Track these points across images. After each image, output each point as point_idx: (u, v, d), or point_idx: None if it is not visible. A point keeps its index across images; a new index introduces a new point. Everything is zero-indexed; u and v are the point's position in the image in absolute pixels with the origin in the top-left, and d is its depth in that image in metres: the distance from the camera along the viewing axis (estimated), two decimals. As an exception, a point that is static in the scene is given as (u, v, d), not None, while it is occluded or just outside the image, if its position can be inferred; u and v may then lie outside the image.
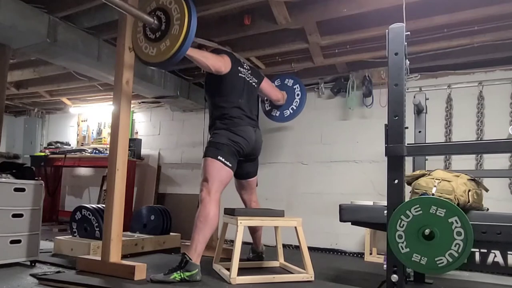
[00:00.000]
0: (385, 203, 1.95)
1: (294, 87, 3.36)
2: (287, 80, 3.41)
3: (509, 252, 1.81)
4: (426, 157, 2.60)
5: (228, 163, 2.54)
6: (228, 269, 2.37)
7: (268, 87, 3.08)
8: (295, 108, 3.32)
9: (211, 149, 2.56)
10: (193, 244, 2.34)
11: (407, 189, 2.04)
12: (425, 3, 2.65)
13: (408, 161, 2.20)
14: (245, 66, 2.82)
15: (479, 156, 3.27)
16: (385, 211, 1.93)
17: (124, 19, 2.48)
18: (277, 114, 3.38)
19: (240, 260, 2.37)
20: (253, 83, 2.85)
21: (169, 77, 4.05)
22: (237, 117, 2.65)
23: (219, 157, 2.51)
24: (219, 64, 2.57)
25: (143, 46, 2.16)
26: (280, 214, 2.63)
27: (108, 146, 2.59)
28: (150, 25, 2.08)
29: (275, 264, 2.88)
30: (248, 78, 2.79)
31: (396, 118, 1.94)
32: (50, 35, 2.85)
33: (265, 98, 3.35)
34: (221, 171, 2.52)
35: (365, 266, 3.13)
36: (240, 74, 2.72)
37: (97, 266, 2.41)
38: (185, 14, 1.97)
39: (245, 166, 2.84)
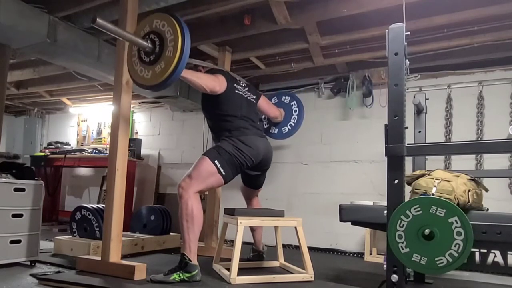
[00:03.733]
0: (385, 203, 1.95)
1: (291, 104, 3.35)
2: (284, 97, 3.41)
3: (509, 252, 1.81)
4: (426, 157, 2.60)
5: (222, 170, 2.46)
6: (228, 269, 2.37)
7: (265, 105, 3.04)
8: (293, 124, 3.31)
9: (213, 151, 2.52)
10: (186, 244, 2.33)
11: (407, 189, 2.04)
12: (425, 3, 2.65)
13: (408, 161, 2.19)
14: (241, 84, 2.80)
15: (479, 156, 3.27)
16: (385, 211, 1.93)
17: (124, 19, 2.47)
18: (275, 132, 3.36)
19: (240, 260, 2.36)
20: (252, 99, 2.82)
21: (169, 77, 4.04)
22: (243, 127, 2.62)
23: (215, 161, 2.45)
24: (213, 84, 2.54)
25: (138, 69, 2.14)
26: (280, 214, 2.63)
27: (108, 146, 2.59)
28: (145, 49, 2.08)
29: (275, 264, 2.88)
30: (245, 94, 2.77)
31: (396, 118, 1.94)
32: (50, 35, 2.85)
33: (263, 116, 3.33)
34: (211, 176, 2.45)
35: (365, 266, 3.13)
36: (236, 91, 2.69)
37: (97, 266, 2.41)
38: (179, 36, 1.97)
39: (254, 178, 2.85)
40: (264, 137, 2.77)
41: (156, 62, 2.05)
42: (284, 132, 3.31)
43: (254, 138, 2.62)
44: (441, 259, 1.73)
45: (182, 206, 2.37)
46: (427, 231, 1.75)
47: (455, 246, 1.71)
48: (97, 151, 4.96)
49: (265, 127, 3.42)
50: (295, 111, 3.32)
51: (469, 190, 2.00)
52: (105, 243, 2.40)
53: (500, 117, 3.27)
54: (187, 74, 2.32)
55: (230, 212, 2.63)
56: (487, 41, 3.02)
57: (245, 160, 2.54)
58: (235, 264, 2.31)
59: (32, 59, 3.95)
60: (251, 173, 2.82)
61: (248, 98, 2.79)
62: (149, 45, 2.06)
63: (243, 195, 3.08)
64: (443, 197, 1.89)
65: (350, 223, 2.29)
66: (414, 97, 2.59)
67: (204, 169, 2.45)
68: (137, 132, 5.21)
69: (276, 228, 2.94)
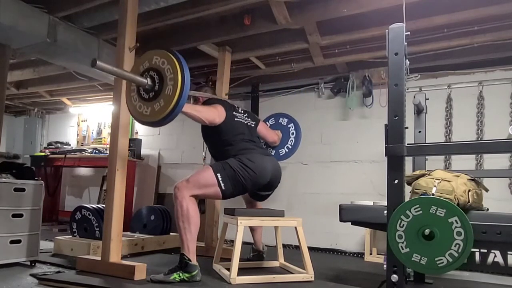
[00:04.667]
0: (385, 203, 1.95)
1: (289, 126, 3.34)
2: (281, 119, 3.39)
3: (509, 252, 1.81)
4: (426, 157, 2.60)
5: (222, 184, 2.41)
6: (228, 269, 2.37)
7: (264, 130, 3.03)
8: (290, 147, 3.29)
9: (218, 165, 2.49)
10: (184, 245, 2.33)
11: (407, 189, 2.04)
12: (425, 3, 2.65)
13: (408, 161, 2.19)
14: (240, 111, 2.79)
15: (479, 156, 3.27)
16: (385, 211, 1.93)
17: (124, 19, 2.48)
18: (272, 153, 3.33)
19: (240, 260, 2.36)
20: (252, 124, 2.82)
21: (169, 77, 4.04)
22: (248, 148, 2.59)
23: (217, 174, 2.41)
24: (213, 116, 2.53)
25: (137, 105, 2.12)
26: (280, 214, 2.63)
27: (108, 146, 2.59)
28: (144, 86, 2.07)
29: (275, 264, 2.88)
30: (245, 121, 2.76)
31: (396, 118, 1.94)
32: (50, 35, 2.86)
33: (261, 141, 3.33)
34: (210, 186, 2.41)
35: (365, 266, 3.13)
36: (236, 119, 2.68)
37: (97, 266, 2.41)
38: (178, 75, 1.95)
39: (261, 194, 2.83)
40: (271, 155, 2.74)
41: (155, 99, 2.03)
42: (281, 155, 3.28)
43: (260, 156, 2.58)
44: (441, 259, 1.74)
45: (177, 208, 2.36)
46: (427, 231, 1.75)
47: (455, 246, 1.71)
48: (97, 151, 4.96)
49: None
50: (292, 133, 3.30)
51: (469, 190, 2.00)
52: (105, 243, 2.40)
53: (500, 117, 3.27)
54: (186, 108, 2.27)
55: (230, 212, 2.63)
56: (487, 41, 3.02)
57: (250, 178, 2.46)
58: (235, 264, 2.31)
59: (32, 59, 3.95)
60: (261, 193, 2.81)
61: (248, 124, 2.78)
62: (149, 82, 2.04)
63: (244, 200, 3.07)
64: (443, 197, 1.89)
65: (350, 223, 2.29)
66: (414, 97, 2.59)
67: (204, 177, 2.43)
68: (137, 132, 5.21)
69: (276, 228, 2.94)
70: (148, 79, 2.05)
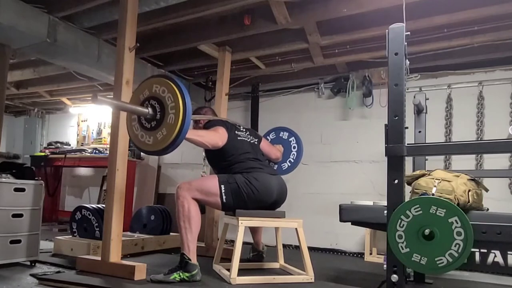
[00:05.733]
0: (385, 203, 1.95)
1: (290, 139, 3.31)
2: (282, 133, 3.36)
3: (509, 252, 1.81)
4: (426, 157, 2.60)
5: (224, 197, 2.44)
6: (228, 270, 2.37)
7: (267, 147, 3.03)
8: (292, 161, 3.26)
9: (224, 176, 2.50)
10: (184, 244, 2.33)
11: (407, 189, 2.04)
12: (425, 3, 2.65)
13: (408, 161, 2.19)
14: (241, 129, 2.79)
15: (479, 156, 3.27)
16: (385, 211, 1.93)
17: (124, 19, 2.47)
18: (275, 168, 3.31)
19: (240, 260, 2.36)
20: (255, 142, 2.81)
21: (169, 77, 4.04)
22: (254, 167, 2.58)
23: (221, 186, 2.44)
24: (215, 139, 2.53)
25: (139, 134, 2.10)
26: (281, 215, 2.63)
27: (108, 146, 2.59)
28: (145, 116, 2.05)
29: (275, 265, 2.88)
30: (248, 139, 2.76)
31: (396, 118, 1.94)
32: (50, 35, 2.85)
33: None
34: (211, 195, 2.44)
35: (365, 266, 3.13)
36: (239, 138, 2.69)
37: (97, 266, 2.41)
38: (180, 103, 1.93)
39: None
40: (277, 174, 2.73)
41: (157, 128, 2.01)
42: (283, 169, 3.26)
43: (267, 176, 2.57)
44: (441, 259, 1.73)
45: (178, 208, 2.38)
46: (427, 231, 1.75)
47: (455, 246, 1.71)
48: (97, 151, 4.96)
49: None
50: (294, 147, 3.28)
51: (469, 190, 2.00)
52: (105, 243, 2.40)
53: (500, 117, 3.27)
54: (189, 134, 2.24)
55: (231, 212, 2.62)
56: (487, 41, 3.02)
57: (254, 197, 2.47)
58: (236, 264, 2.31)
59: (32, 59, 3.94)
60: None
61: (251, 141, 2.78)
62: (150, 112, 2.02)
63: None
64: (443, 197, 1.89)
65: (350, 223, 2.29)
66: (414, 97, 2.59)
67: (207, 185, 2.45)
68: (137, 132, 5.20)
69: (276, 228, 2.94)
70: (149, 108, 2.03)
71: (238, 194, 2.46)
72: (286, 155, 3.29)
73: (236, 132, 2.71)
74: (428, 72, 3.56)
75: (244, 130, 2.82)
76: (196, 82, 4.36)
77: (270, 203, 2.58)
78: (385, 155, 1.95)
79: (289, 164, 3.28)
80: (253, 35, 3.20)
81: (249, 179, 2.48)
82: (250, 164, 2.59)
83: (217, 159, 2.67)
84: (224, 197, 2.44)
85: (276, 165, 3.29)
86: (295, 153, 3.27)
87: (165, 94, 1.99)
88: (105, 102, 1.90)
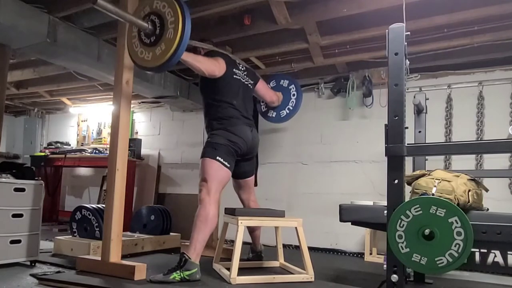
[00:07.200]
0: (385, 203, 1.95)
1: (290, 87, 3.35)
2: (282, 80, 3.40)
3: (509, 252, 1.81)
4: (426, 157, 2.60)
5: (226, 163, 2.55)
6: (228, 269, 2.37)
7: (263, 89, 3.07)
8: (291, 108, 3.31)
9: (209, 150, 2.57)
10: (192, 244, 2.34)
11: (407, 189, 2.04)
12: (425, 3, 2.65)
13: (408, 161, 2.19)
14: (240, 67, 2.82)
15: (479, 156, 3.27)
16: (385, 211, 1.93)
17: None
18: (273, 115, 3.38)
19: (240, 260, 2.36)
20: (249, 84, 2.85)
21: (169, 77, 4.04)
22: (234, 117, 2.67)
23: (217, 158, 2.52)
24: (213, 68, 2.57)
25: (138, 51, 2.15)
26: (280, 214, 2.63)
27: (108, 146, 2.59)
28: (145, 30, 2.07)
29: (275, 264, 2.88)
30: (243, 79, 2.80)
31: (396, 118, 1.94)
32: (50, 35, 2.85)
33: (261, 100, 3.34)
34: (219, 171, 2.53)
35: (365, 266, 3.13)
36: (235, 76, 2.73)
37: (97, 266, 2.41)
38: (179, 17, 1.96)
39: (242, 165, 2.84)
40: (253, 126, 2.80)
41: (157, 44, 2.04)
42: (282, 116, 3.31)
43: (243, 128, 2.67)
44: (441, 259, 1.73)
45: (200, 208, 2.44)
46: (427, 231, 1.75)
47: (455, 246, 1.71)
48: (97, 151, 4.96)
49: (263, 110, 3.43)
50: (293, 94, 3.32)
51: (469, 190, 2.00)
52: (105, 243, 2.40)
53: (500, 117, 3.27)
54: (188, 57, 2.33)
55: (231, 212, 2.63)
56: (487, 41, 3.01)
57: (238, 147, 2.63)
58: (235, 264, 2.31)
59: (32, 59, 3.94)
60: (240, 164, 2.84)
61: (246, 83, 2.82)
62: (150, 26, 2.05)
63: (238, 193, 3.02)
64: (443, 197, 1.89)
65: (350, 223, 2.29)
66: (414, 97, 2.59)
67: (211, 168, 2.52)
68: (137, 132, 5.21)
69: (276, 228, 2.94)
70: (149, 22, 2.05)
71: (229, 152, 2.57)
72: (285, 102, 3.32)
73: (234, 69, 2.75)
74: (428, 72, 3.56)
75: (243, 69, 2.85)
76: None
77: (241, 154, 2.68)
78: (385, 155, 1.95)
79: (288, 112, 3.32)
80: (253, 35, 3.20)
81: (227, 137, 2.59)
82: (231, 112, 2.66)
83: (209, 90, 2.72)
84: (225, 163, 2.54)
85: (275, 112, 3.34)
86: (294, 101, 3.31)
87: (165, 9, 2.02)
88: (106, 7, 1.89)
